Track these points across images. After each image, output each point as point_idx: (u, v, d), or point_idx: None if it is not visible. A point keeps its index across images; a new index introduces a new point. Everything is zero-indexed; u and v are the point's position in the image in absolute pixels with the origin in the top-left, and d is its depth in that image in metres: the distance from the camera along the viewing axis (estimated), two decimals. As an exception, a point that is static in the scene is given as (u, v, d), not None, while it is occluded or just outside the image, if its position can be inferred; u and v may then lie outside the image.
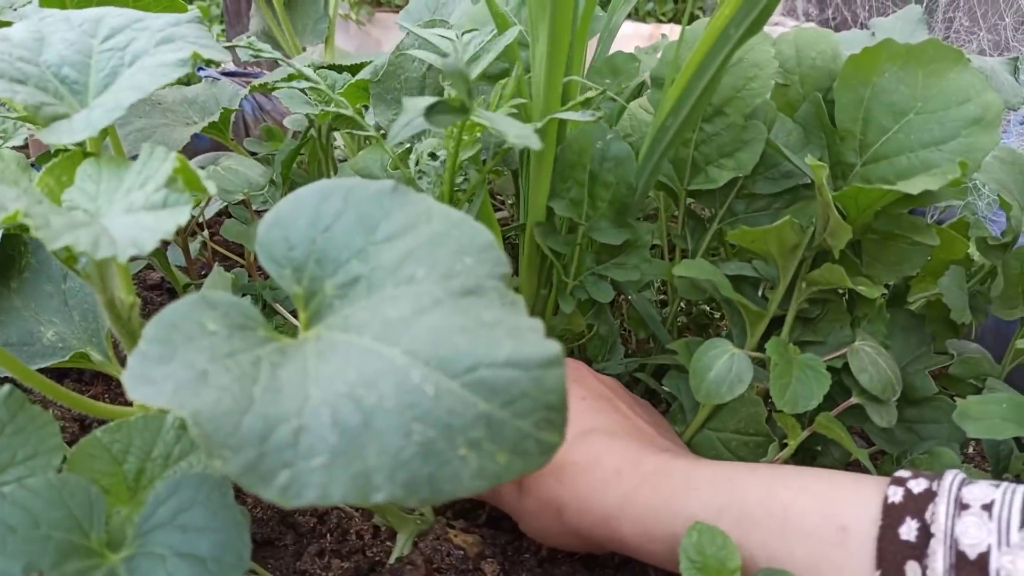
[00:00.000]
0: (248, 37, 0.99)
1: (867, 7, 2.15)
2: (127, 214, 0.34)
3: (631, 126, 0.62)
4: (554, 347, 0.29)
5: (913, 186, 0.41)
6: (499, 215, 1.13)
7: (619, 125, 0.62)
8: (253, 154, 0.89)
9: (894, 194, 0.43)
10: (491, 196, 1.17)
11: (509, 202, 1.10)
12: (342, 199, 0.36)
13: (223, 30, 1.94)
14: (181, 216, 0.33)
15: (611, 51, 0.67)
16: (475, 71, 0.56)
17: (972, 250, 0.59)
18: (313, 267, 0.35)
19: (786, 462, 0.54)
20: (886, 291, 0.58)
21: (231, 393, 0.28)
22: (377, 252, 0.34)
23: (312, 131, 0.80)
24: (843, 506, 0.41)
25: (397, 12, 1.98)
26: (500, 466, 0.28)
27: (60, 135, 0.39)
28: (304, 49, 0.96)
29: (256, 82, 0.79)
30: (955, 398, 0.52)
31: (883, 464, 0.57)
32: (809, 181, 0.57)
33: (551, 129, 0.53)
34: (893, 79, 0.48)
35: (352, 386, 0.29)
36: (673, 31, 2.26)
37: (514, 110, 0.62)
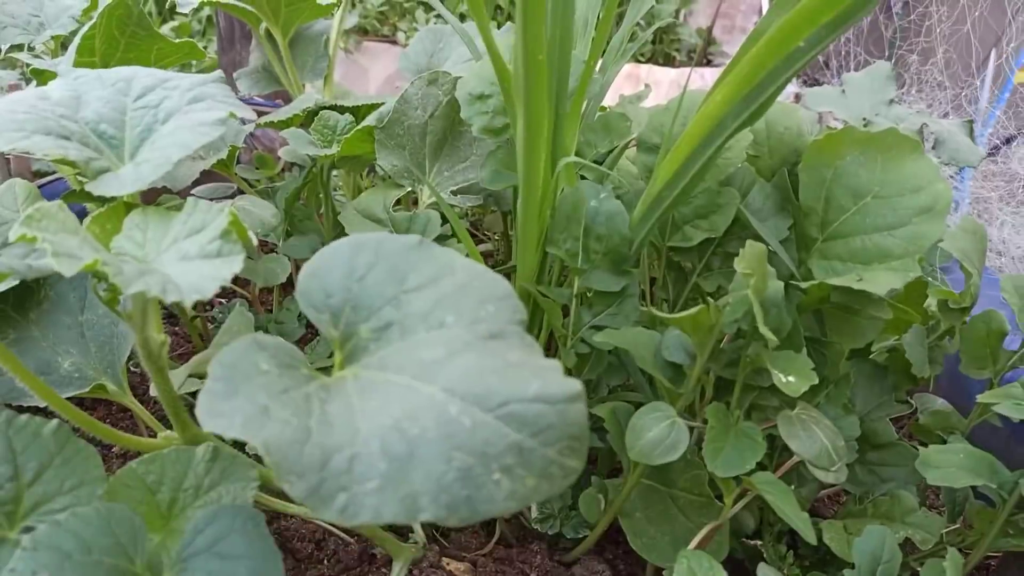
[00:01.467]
0: (250, 72, 1.02)
1: (840, 54, 2.25)
2: (183, 262, 0.38)
3: (622, 181, 0.67)
4: (575, 384, 0.33)
5: (878, 286, 0.45)
6: (485, 247, 1.18)
7: (611, 179, 0.67)
8: (246, 181, 0.92)
9: (859, 292, 0.48)
10: (477, 228, 1.21)
11: (495, 237, 1.14)
12: (374, 252, 0.40)
13: (214, 50, 1.97)
14: (236, 265, 0.37)
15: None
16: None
17: (931, 302, 0.64)
18: (349, 313, 0.39)
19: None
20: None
21: (292, 425, 0.32)
22: (408, 300, 0.38)
23: (314, 169, 0.83)
24: None
25: (384, 41, 2.03)
26: (529, 488, 0.32)
27: (109, 187, 0.42)
28: (304, 86, 0.99)
29: (262, 120, 0.83)
30: (920, 445, 0.55)
31: (847, 503, 0.62)
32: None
33: (533, 197, 0.56)
34: (854, 163, 0.53)
35: (397, 419, 0.33)
36: (651, 72, 2.34)
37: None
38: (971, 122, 0.92)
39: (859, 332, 0.55)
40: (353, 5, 2.05)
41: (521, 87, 0.45)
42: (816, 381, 0.49)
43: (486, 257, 1.22)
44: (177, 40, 0.62)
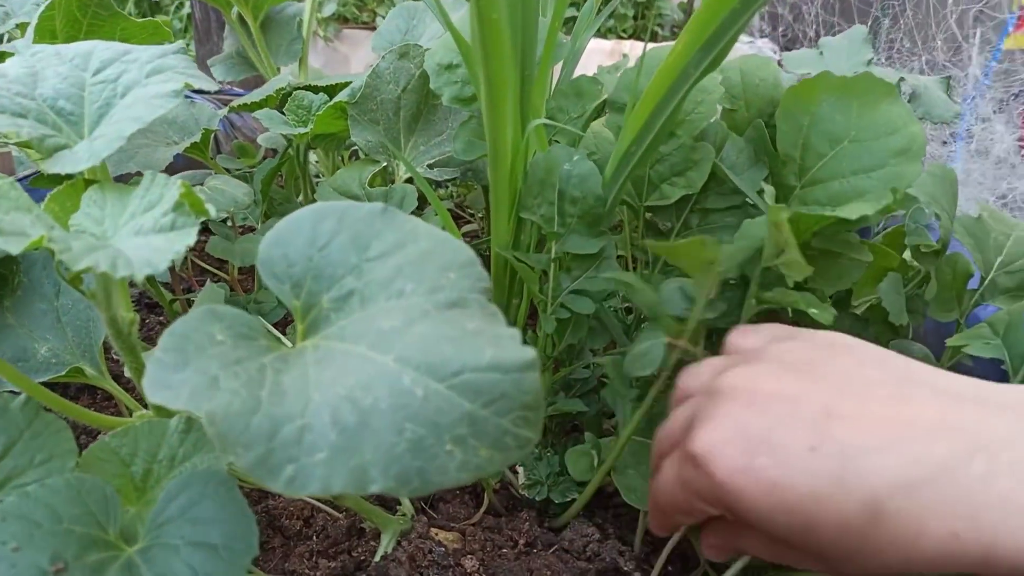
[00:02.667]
0: (224, 58, 1.01)
1: (816, 25, 2.25)
2: (137, 236, 0.37)
3: (595, 144, 0.67)
4: (529, 352, 0.33)
5: (850, 211, 0.45)
6: (469, 227, 1.18)
7: (583, 143, 0.67)
8: (227, 170, 0.92)
9: (832, 218, 0.48)
10: (462, 209, 1.21)
11: (479, 215, 1.14)
12: (337, 220, 0.39)
13: (187, 43, 1.95)
14: (189, 238, 0.36)
15: (576, 71, 0.72)
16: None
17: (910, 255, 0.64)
18: (311, 283, 0.38)
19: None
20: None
21: (241, 396, 0.32)
22: (370, 268, 0.38)
23: (290, 150, 0.83)
24: None
25: (364, 28, 2.01)
26: (483, 459, 0.32)
27: (64, 165, 0.42)
28: (279, 69, 0.99)
29: (236, 103, 0.82)
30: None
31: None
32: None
33: (503, 162, 0.55)
34: (830, 109, 0.53)
35: (350, 389, 0.32)
36: (634, 47, 2.32)
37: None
38: (948, 79, 0.92)
39: (843, 274, 0.55)
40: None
41: (479, 51, 0.44)
42: (835, 312, 0.50)
43: (470, 237, 1.22)
44: (141, 20, 0.61)
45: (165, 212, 0.37)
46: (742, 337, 0.46)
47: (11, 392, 0.48)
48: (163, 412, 0.50)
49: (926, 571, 0.32)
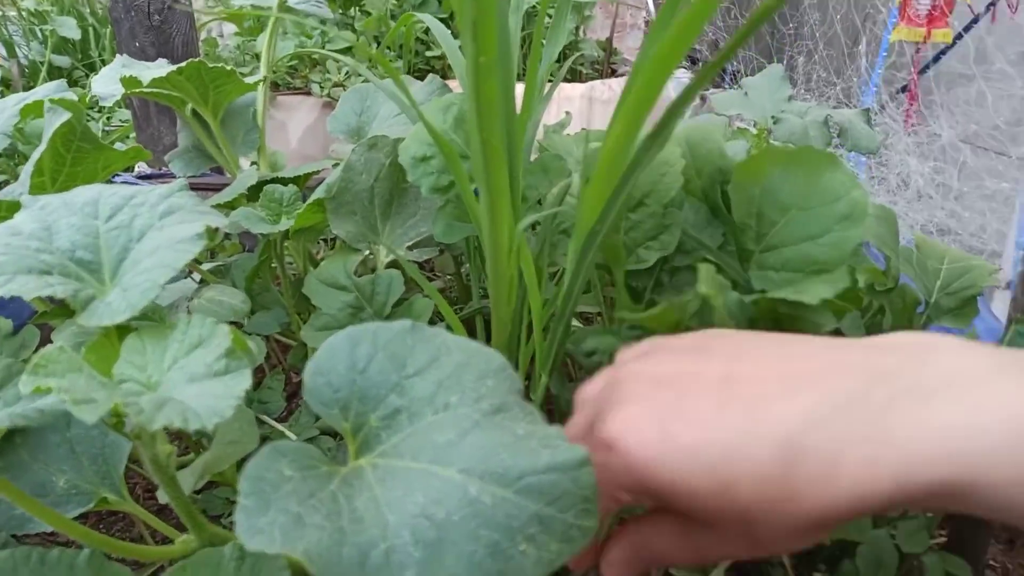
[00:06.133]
0: (181, 153, 1.03)
1: (734, 59, 2.38)
2: (192, 383, 0.40)
3: (570, 216, 0.71)
4: (582, 451, 0.36)
5: (811, 295, 0.50)
6: (437, 283, 1.21)
7: (560, 217, 0.71)
8: (195, 259, 0.93)
9: (794, 302, 0.53)
10: (428, 269, 1.24)
11: (447, 276, 1.17)
12: (371, 343, 0.43)
13: (130, 126, 1.94)
14: (245, 380, 0.39)
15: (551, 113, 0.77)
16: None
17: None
18: (357, 404, 0.41)
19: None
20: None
21: (327, 530, 0.34)
22: (411, 385, 0.41)
23: (268, 242, 0.85)
24: None
25: (297, 94, 2.03)
26: (554, 553, 0.35)
27: (102, 317, 0.44)
28: (239, 161, 1.01)
29: (210, 202, 0.84)
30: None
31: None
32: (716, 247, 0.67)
33: (501, 265, 0.58)
34: (778, 180, 0.58)
35: (422, 506, 0.36)
36: (560, 90, 2.41)
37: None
38: (868, 111, 1.01)
39: (808, 332, 0.61)
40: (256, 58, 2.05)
41: (481, 167, 0.48)
42: None
43: (441, 292, 1.26)
44: (123, 148, 0.63)
45: (217, 357, 0.39)
46: (628, 349, 0.47)
47: (45, 534, 0.49)
48: (203, 534, 0.52)
49: (843, 517, 0.32)
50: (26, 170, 0.56)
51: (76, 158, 0.62)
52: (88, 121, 2.20)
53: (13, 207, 0.53)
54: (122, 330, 0.45)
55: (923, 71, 2.33)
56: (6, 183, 2.26)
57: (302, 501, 0.36)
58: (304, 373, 0.42)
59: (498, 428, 0.38)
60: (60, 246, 0.48)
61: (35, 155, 0.56)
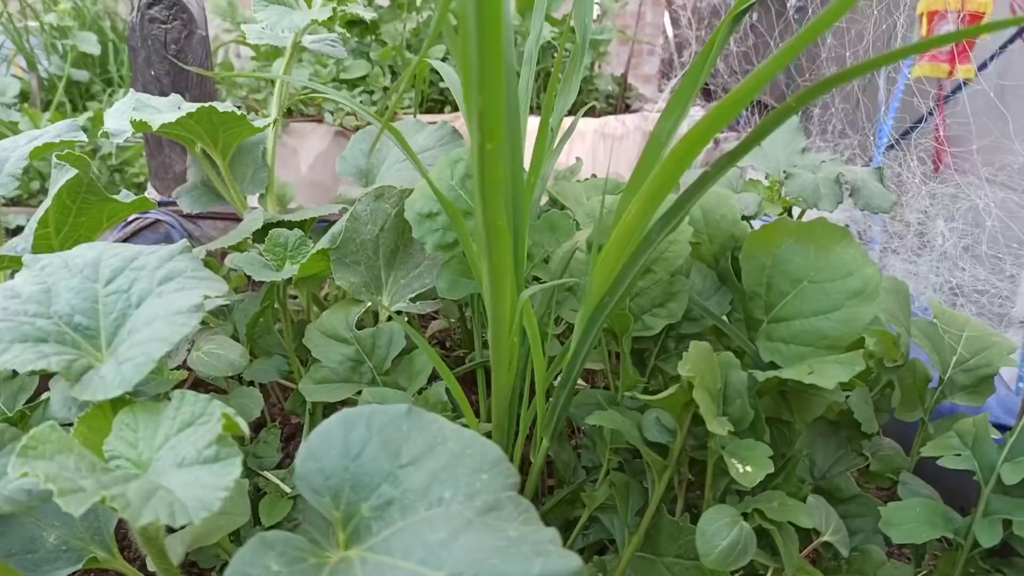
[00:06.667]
0: (189, 189, 1.03)
1: (749, 108, 2.38)
2: (180, 469, 0.39)
3: (576, 270, 0.71)
4: (575, 561, 0.35)
5: (827, 380, 0.49)
6: (439, 324, 1.21)
7: (568, 273, 0.70)
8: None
9: (810, 384, 0.52)
10: (436, 310, 1.24)
11: (452, 320, 1.17)
12: (366, 427, 0.42)
13: (141, 146, 1.95)
14: (236, 469, 0.38)
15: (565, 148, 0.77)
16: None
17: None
18: (349, 492, 0.40)
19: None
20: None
21: (313, 634, 0.33)
22: (405, 475, 0.40)
23: (272, 287, 0.84)
24: None
25: (310, 120, 2.04)
26: (542, 666, 0.34)
27: (95, 391, 0.43)
28: (246, 199, 1.01)
29: (214, 245, 0.84)
30: (878, 489, 0.59)
31: (819, 560, 0.66)
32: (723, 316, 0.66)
33: (503, 336, 0.58)
34: (790, 251, 0.58)
35: (410, 611, 0.34)
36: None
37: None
38: (881, 169, 1.00)
39: (814, 407, 0.60)
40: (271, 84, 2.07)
41: (484, 244, 0.47)
42: (772, 469, 0.53)
43: (443, 332, 1.25)
44: (128, 200, 0.63)
45: (208, 444, 0.39)
46: None
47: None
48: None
49: None
50: (30, 224, 0.55)
51: (81, 208, 0.62)
52: (100, 144, 2.20)
53: (15, 262, 0.52)
54: (116, 400, 0.45)
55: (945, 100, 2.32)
56: (20, 198, 2.27)
57: (289, 601, 0.35)
58: (296, 458, 0.41)
59: (491, 530, 0.37)
60: (58, 310, 0.47)
61: (40, 210, 0.56)
